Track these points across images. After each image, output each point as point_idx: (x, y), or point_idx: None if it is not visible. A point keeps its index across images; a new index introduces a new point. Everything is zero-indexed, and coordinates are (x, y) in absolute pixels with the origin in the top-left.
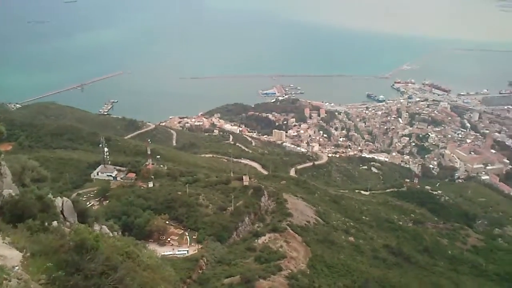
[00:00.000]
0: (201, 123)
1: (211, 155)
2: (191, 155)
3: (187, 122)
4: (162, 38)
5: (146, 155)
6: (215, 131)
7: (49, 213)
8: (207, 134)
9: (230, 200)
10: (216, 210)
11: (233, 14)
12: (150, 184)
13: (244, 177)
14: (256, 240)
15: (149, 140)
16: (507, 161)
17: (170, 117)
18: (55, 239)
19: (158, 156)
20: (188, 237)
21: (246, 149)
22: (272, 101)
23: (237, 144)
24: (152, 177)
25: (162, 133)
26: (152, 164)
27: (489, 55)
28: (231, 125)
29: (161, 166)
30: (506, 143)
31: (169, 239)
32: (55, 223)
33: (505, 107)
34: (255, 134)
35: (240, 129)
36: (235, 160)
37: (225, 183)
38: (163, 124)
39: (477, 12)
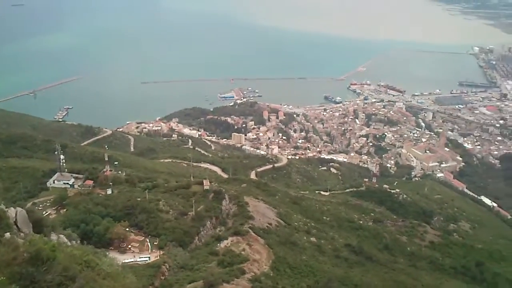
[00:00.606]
0: (159, 128)
1: (170, 160)
2: (150, 161)
3: (145, 127)
4: (116, 41)
5: (104, 161)
6: (173, 135)
7: (1, 224)
8: (165, 139)
9: (191, 204)
10: (177, 216)
11: (190, 16)
12: (109, 191)
13: (204, 181)
14: (218, 244)
15: (106, 147)
16: (460, 159)
17: (128, 122)
18: (7, 251)
19: (116, 163)
20: (149, 243)
21: (206, 153)
22: (231, 104)
23: (196, 148)
24: (111, 183)
25: (119, 139)
26: (110, 170)
27: (439, 57)
28: (190, 129)
29: (119, 172)
30: (459, 141)
31: (129, 246)
32: (7, 234)
33: (456, 107)
34: (214, 138)
35: (199, 133)
36: (194, 164)
37: (185, 188)
38: (121, 130)
39: (426, 16)
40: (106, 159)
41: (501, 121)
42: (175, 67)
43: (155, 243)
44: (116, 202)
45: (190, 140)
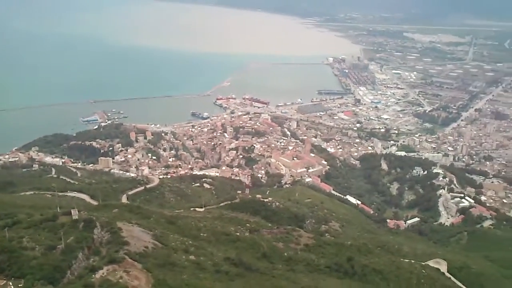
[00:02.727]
0: (17, 158)
1: (32, 192)
2: (9, 195)
3: (0, 159)
4: None
5: None
6: (34, 165)
7: None
8: (25, 170)
9: (60, 237)
10: (44, 251)
11: (45, 38)
12: None
13: (72, 210)
14: (93, 275)
15: None
16: (325, 163)
17: None
18: None
19: None
20: (12, 287)
21: (72, 181)
22: (95, 128)
23: (61, 177)
24: None
25: None
26: None
27: (298, 67)
28: (52, 157)
29: None
30: (322, 146)
31: None
32: None
33: (318, 114)
34: (79, 164)
35: (63, 160)
36: (60, 194)
37: (51, 220)
38: None
39: (284, 29)
40: None
41: (358, 125)
42: (29, 92)
43: (19, 286)
44: None
45: (53, 169)
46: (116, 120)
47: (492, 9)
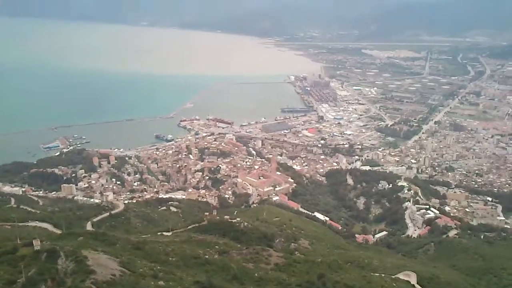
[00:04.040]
0: None
1: None
2: None
3: None
4: None
5: None
6: None
7: None
8: None
9: (20, 270)
10: (3, 286)
11: None
12: None
13: (34, 241)
14: None
15: None
16: (292, 180)
17: None
18: None
19: None
20: None
21: (33, 210)
22: (57, 154)
23: (21, 206)
24: None
25: None
26: None
27: (261, 87)
28: (12, 186)
29: None
30: (288, 164)
31: None
32: None
33: (282, 132)
34: (41, 192)
35: (23, 189)
36: (21, 224)
37: (11, 253)
38: None
39: (244, 50)
40: None
41: (322, 141)
42: None
43: None
44: None
45: (12, 199)
46: (78, 145)
47: (443, 26)
